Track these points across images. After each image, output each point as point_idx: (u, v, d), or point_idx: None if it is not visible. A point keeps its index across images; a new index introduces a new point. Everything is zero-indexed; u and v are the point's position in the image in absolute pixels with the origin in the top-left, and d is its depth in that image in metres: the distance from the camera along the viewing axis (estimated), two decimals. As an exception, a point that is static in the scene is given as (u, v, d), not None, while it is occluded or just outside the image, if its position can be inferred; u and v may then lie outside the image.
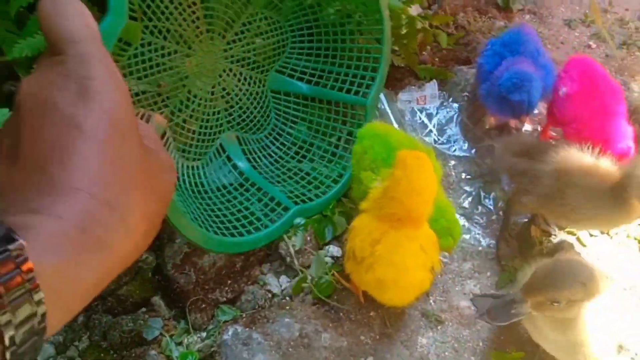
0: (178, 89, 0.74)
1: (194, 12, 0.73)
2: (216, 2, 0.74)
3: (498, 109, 0.87)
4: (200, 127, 0.79)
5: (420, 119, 0.98)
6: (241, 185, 0.80)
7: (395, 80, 1.00)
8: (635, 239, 0.82)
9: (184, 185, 0.75)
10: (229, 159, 0.83)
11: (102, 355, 0.71)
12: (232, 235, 0.73)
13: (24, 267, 0.23)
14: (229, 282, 0.76)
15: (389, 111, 0.94)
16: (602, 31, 1.12)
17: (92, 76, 0.29)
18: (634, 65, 1.09)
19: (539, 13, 1.16)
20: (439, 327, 0.76)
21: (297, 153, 0.87)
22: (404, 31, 0.96)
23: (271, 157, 0.86)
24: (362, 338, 0.74)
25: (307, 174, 0.84)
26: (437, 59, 1.06)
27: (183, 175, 0.76)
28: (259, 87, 0.85)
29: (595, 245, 0.83)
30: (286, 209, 0.78)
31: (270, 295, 0.77)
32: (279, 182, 0.83)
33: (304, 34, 0.86)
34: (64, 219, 0.26)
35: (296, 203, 0.79)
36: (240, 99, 0.83)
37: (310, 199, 0.81)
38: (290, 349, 0.71)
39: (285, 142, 0.88)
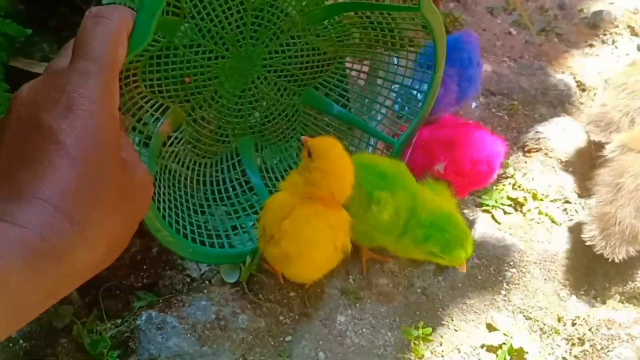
0: (205, 87, 0.70)
1: (242, 18, 0.68)
2: (268, 12, 0.70)
3: None
4: (219, 127, 0.75)
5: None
6: (243, 192, 0.76)
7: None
8: (547, 215, 0.86)
9: (183, 181, 0.71)
10: (239, 163, 0.78)
11: (10, 345, 0.69)
12: (221, 245, 0.69)
13: None
14: (145, 267, 0.75)
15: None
16: (522, 18, 1.16)
17: (83, 94, 0.29)
18: (551, 51, 1.13)
19: (463, 0, 1.19)
20: (357, 305, 0.77)
21: None
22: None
23: (285, 170, 0.82)
24: (281, 318, 0.75)
25: None
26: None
27: (187, 169, 0.72)
28: (291, 99, 0.81)
29: (508, 222, 0.86)
30: None
31: (189, 279, 0.77)
32: None
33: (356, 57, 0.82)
34: (25, 227, 0.26)
35: None
36: (268, 108, 0.79)
37: None
38: (206, 332, 0.71)
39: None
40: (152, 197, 0.49)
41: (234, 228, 0.75)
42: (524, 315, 0.76)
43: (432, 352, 0.72)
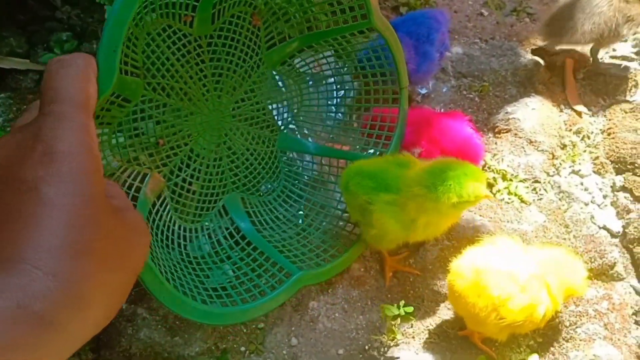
0: (179, 147, 0.69)
1: (201, 70, 0.69)
2: (226, 61, 0.71)
3: None
4: (202, 187, 0.73)
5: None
6: (242, 249, 0.72)
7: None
8: (516, 195, 0.86)
9: (177, 248, 0.67)
10: (231, 221, 0.75)
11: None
12: (224, 304, 0.64)
13: None
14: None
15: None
16: (493, -1, 1.16)
17: (60, 137, 0.27)
18: (523, 31, 1.13)
19: (433, -18, 1.18)
20: (329, 290, 0.77)
21: (306, 216, 0.79)
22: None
23: (278, 219, 0.79)
24: (254, 306, 0.75)
25: (317, 237, 0.77)
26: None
27: (178, 238, 0.68)
28: (267, 146, 0.80)
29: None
30: (288, 275, 0.70)
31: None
32: (283, 245, 0.75)
33: (315, 89, 0.82)
34: (7, 297, 0.23)
35: (300, 268, 0.71)
36: (247, 159, 0.78)
37: (318, 264, 0.73)
38: (177, 322, 0.71)
39: (294, 204, 0.81)
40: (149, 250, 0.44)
41: (241, 284, 0.69)
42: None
43: (403, 334, 0.73)
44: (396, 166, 0.70)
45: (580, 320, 0.74)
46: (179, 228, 0.70)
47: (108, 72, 0.42)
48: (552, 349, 0.72)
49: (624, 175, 0.89)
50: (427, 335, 0.73)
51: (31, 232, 0.25)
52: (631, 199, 0.86)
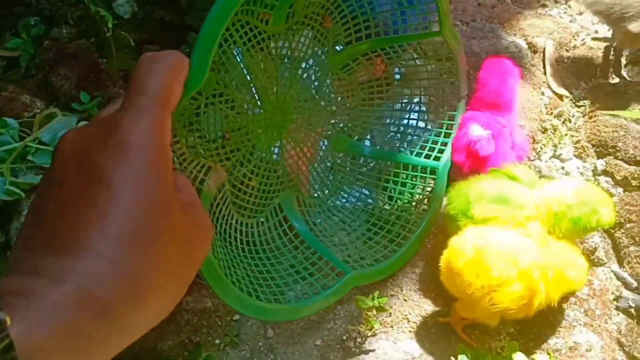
0: (243, 143, 0.69)
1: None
2: (295, 60, 0.71)
3: None
4: (260, 183, 0.73)
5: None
6: (295, 247, 0.72)
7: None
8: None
9: (234, 242, 0.67)
10: (285, 219, 0.75)
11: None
12: (277, 300, 0.64)
13: (5, 347, 0.21)
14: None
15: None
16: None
17: (134, 129, 0.27)
18: (504, 13, 1.11)
19: (414, -36, 1.16)
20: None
21: (359, 216, 0.80)
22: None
23: (331, 219, 0.79)
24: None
25: (369, 238, 0.77)
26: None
27: (235, 232, 0.68)
28: (324, 147, 0.80)
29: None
30: (341, 274, 0.70)
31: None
32: (335, 245, 0.75)
33: (374, 92, 0.82)
34: (64, 280, 0.24)
35: (353, 268, 0.71)
36: (304, 158, 0.78)
37: (370, 264, 0.73)
38: (148, 315, 0.69)
39: (347, 205, 0.81)
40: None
41: (294, 282, 0.69)
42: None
43: (381, 323, 0.72)
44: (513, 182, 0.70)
45: (561, 306, 0.73)
46: (237, 222, 0.70)
47: (200, 71, 0.41)
48: (531, 335, 0.71)
49: (605, 159, 0.88)
50: (405, 324, 0.72)
51: (97, 220, 0.25)
52: (612, 182, 0.85)
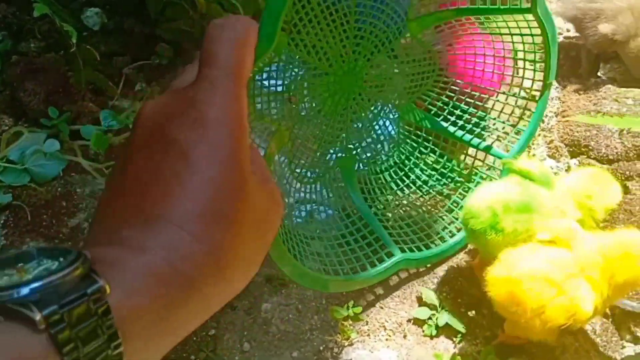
0: (308, 106, 0.68)
1: (344, 31, 0.66)
2: (370, 24, 0.68)
3: None
4: (319, 146, 0.72)
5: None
6: (348, 215, 0.72)
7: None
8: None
9: (290, 211, 0.67)
10: (342, 187, 0.75)
11: None
12: (326, 272, 0.64)
13: (105, 315, 0.21)
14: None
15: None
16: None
17: (212, 103, 0.27)
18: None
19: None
20: (282, 291, 0.75)
21: (414, 193, 0.79)
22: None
23: (387, 193, 0.79)
24: (204, 312, 0.72)
25: (422, 219, 0.77)
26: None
27: (292, 196, 0.68)
28: (392, 116, 0.78)
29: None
30: (390, 254, 0.71)
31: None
32: (388, 220, 0.75)
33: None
34: (151, 252, 0.24)
35: (402, 250, 0.72)
36: (368, 125, 0.76)
37: (419, 248, 0.74)
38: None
39: (405, 180, 0.81)
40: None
41: (343, 253, 0.70)
42: (449, 287, 0.76)
43: (358, 332, 0.72)
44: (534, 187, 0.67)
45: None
46: (294, 185, 0.69)
47: (270, 35, 0.40)
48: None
49: (578, 158, 0.88)
50: (382, 332, 0.72)
51: (180, 196, 0.25)
52: (585, 182, 0.85)
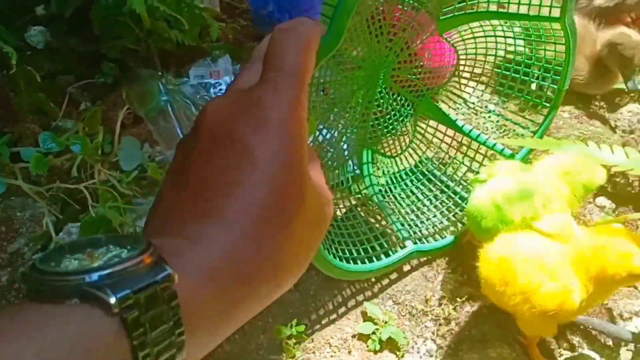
0: (339, 97, 0.70)
1: (380, 27, 0.67)
2: (404, 21, 0.69)
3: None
4: (344, 138, 0.75)
5: (214, 93, 0.96)
6: (363, 204, 0.75)
7: (185, 61, 0.98)
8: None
9: None
10: (362, 179, 0.78)
11: None
12: (341, 259, 0.68)
13: (172, 302, 0.22)
14: None
15: (175, 99, 0.91)
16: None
17: (277, 107, 0.28)
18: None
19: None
20: (228, 311, 0.75)
21: (425, 186, 0.84)
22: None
23: (401, 184, 0.83)
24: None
25: (432, 212, 0.81)
26: (230, 36, 1.04)
27: None
28: (410, 110, 0.81)
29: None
30: (403, 245, 0.76)
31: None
32: (400, 211, 0.79)
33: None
34: (213, 249, 0.25)
35: (414, 242, 0.77)
36: (389, 119, 0.79)
37: (428, 241, 0.79)
38: None
39: (417, 172, 0.86)
40: None
41: (360, 242, 0.75)
42: (393, 301, 0.77)
43: (303, 350, 0.72)
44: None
45: (476, 319, 0.75)
46: None
47: (337, 35, 0.40)
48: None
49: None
50: (327, 349, 0.73)
51: (241, 195, 0.26)
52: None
